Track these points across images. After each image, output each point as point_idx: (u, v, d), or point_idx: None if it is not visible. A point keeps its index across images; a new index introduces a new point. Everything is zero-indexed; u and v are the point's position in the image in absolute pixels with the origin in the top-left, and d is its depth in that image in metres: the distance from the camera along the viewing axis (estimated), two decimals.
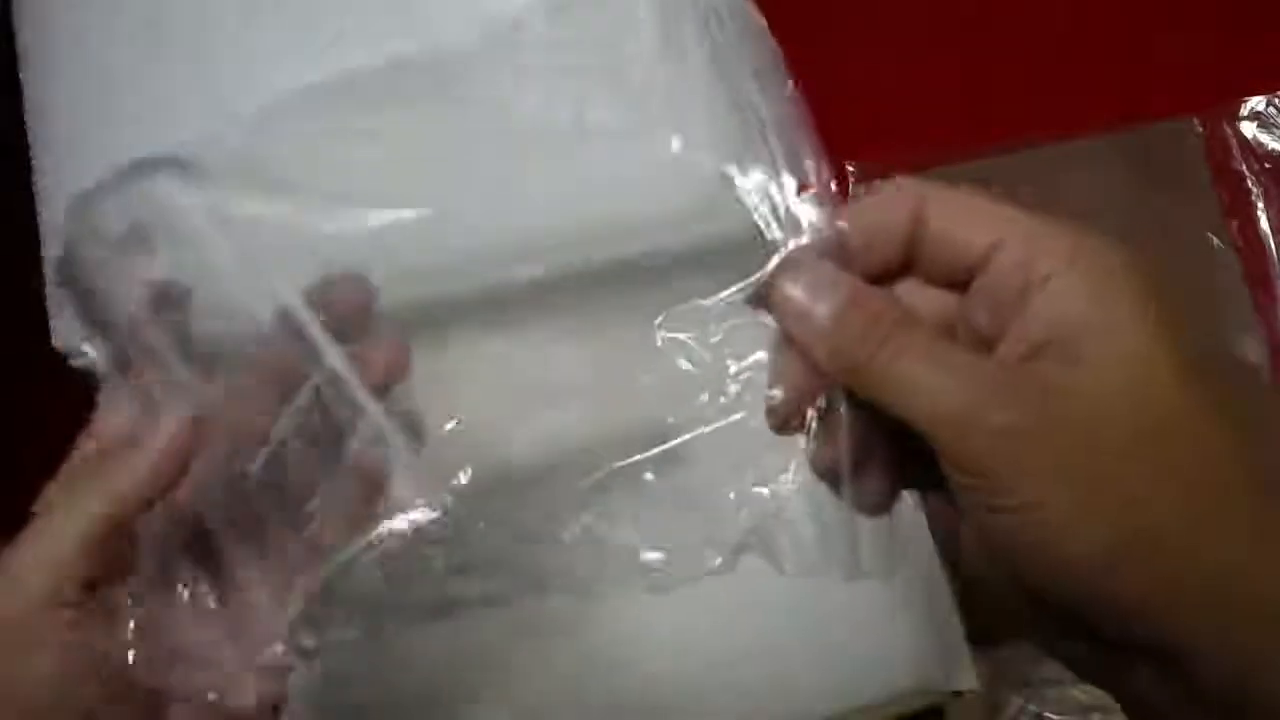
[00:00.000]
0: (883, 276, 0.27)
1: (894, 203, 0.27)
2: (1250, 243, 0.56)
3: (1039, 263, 0.25)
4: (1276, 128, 0.57)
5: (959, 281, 0.27)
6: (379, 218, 0.46)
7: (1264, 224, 0.56)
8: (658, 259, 0.47)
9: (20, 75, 0.48)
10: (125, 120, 0.47)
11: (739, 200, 0.40)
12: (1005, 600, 0.26)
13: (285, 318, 0.32)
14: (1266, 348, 0.54)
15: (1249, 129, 0.57)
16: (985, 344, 0.26)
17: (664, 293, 0.48)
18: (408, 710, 0.45)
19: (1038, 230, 0.26)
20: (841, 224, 0.27)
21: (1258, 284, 0.55)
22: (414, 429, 0.33)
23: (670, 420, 0.36)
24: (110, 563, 0.29)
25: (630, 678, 0.47)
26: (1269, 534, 0.24)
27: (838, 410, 0.27)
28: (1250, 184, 0.57)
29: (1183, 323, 0.26)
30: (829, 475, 0.28)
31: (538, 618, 0.46)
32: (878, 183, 0.28)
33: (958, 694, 0.46)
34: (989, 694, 0.50)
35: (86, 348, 0.33)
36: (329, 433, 0.32)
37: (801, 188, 0.30)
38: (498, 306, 0.48)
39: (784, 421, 0.29)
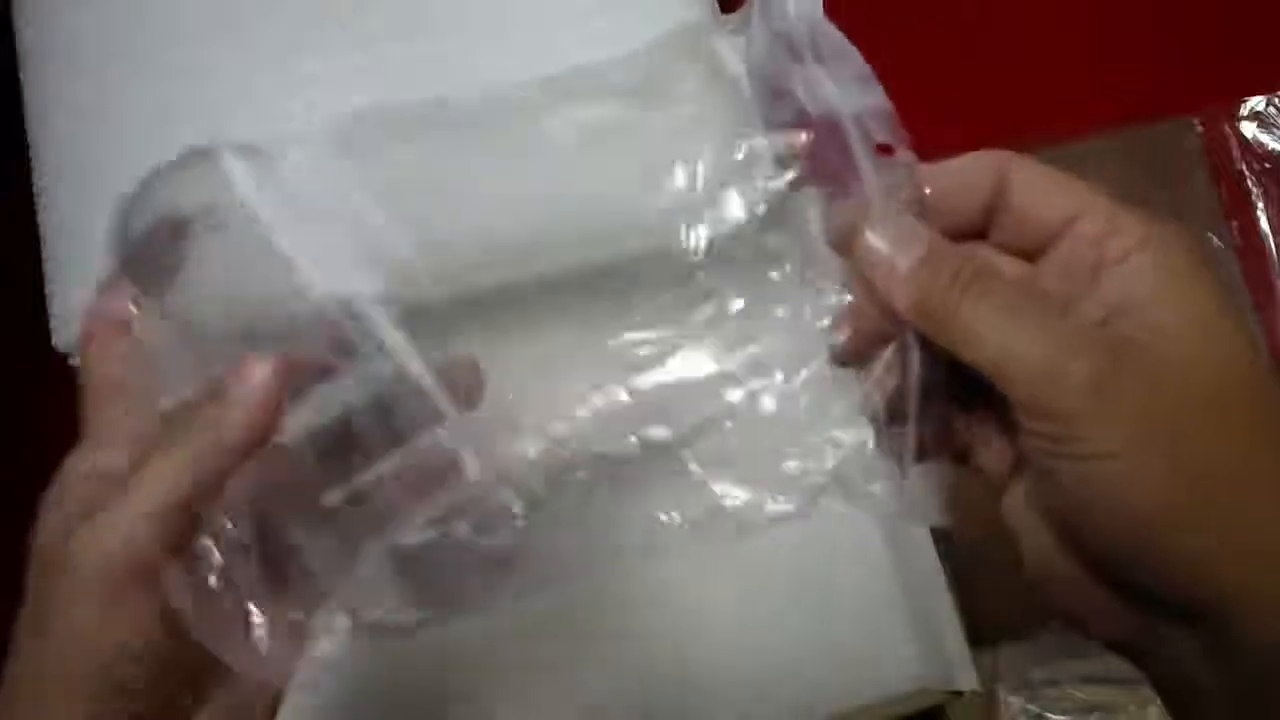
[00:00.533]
0: (957, 239, 0.28)
1: (978, 168, 0.29)
2: (1250, 243, 0.56)
3: (1115, 240, 0.26)
4: (1276, 127, 0.57)
5: (1031, 251, 0.28)
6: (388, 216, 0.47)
7: (1264, 224, 0.56)
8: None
9: (20, 75, 0.48)
10: (125, 121, 0.47)
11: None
12: (1045, 576, 0.28)
13: (350, 313, 0.31)
14: (1266, 348, 0.54)
15: (1249, 129, 0.57)
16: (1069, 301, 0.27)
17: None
18: (409, 704, 0.45)
19: (1116, 210, 0.27)
20: (924, 185, 0.29)
21: (1258, 284, 0.55)
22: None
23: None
24: (194, 523, 0.28)
25: (631, 677, 0.47)
26: None
27: (907, 354, 0.29)
28: (1250, 184, 0.57)
29: (1244, 312, 0.26)
30: (878, 418, 0.30)
31: (543, 616, 0.46)
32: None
33: (958, 694, 0.46)
34: (989, 694, 0.50)
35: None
36: (394, 418, 0.31)
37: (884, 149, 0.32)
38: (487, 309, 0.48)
39: (847, 359, 0.30)
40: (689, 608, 0.48)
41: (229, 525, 0.28)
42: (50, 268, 0.46)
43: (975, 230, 0.29)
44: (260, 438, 0.29)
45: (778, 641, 0.48)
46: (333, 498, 0.31)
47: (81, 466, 0.30)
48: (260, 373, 0.29)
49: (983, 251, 0.29)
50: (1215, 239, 0.55)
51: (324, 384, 0.31)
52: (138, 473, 0.28)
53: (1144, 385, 0.24)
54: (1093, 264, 0.26)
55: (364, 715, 0.42)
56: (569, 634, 0.47)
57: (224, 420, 0.28)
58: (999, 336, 0.25)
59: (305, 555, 0.30)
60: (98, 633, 0.27)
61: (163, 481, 0.28)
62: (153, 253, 0.32)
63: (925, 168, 0.30)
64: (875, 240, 0.28)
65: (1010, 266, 0.28)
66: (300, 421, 0.31)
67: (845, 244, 0.29)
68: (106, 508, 0.28)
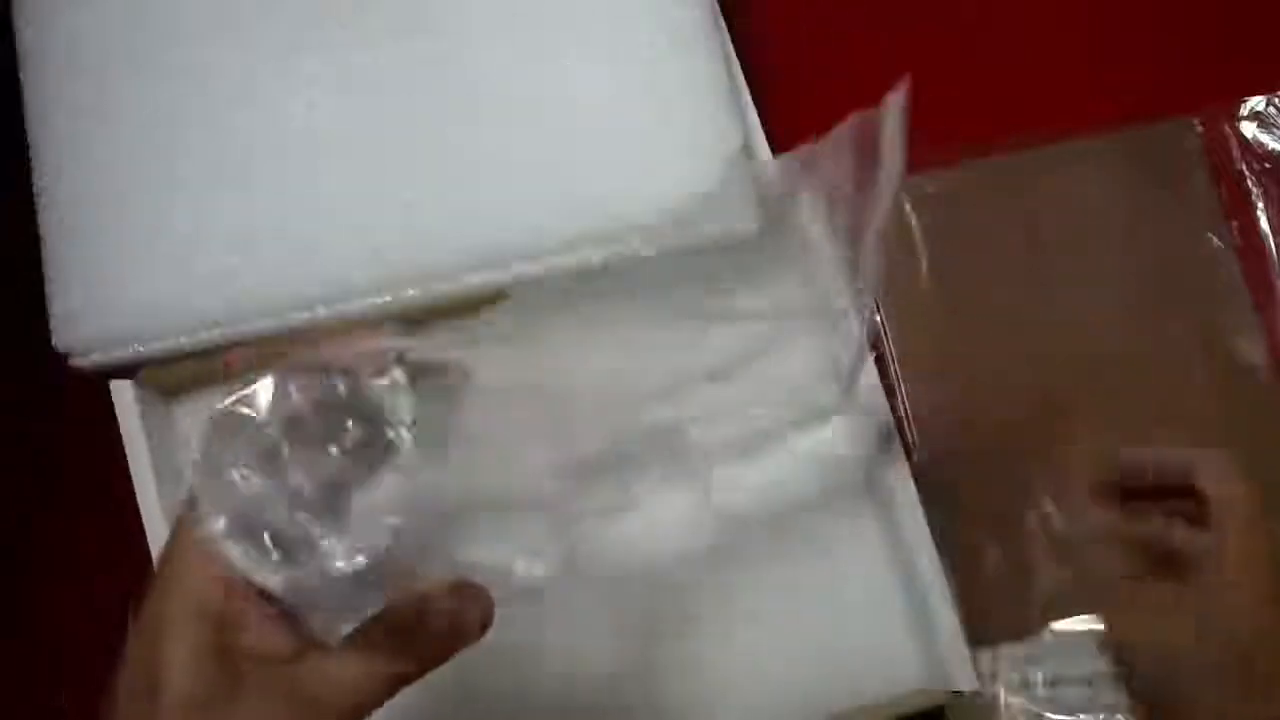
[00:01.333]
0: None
1: (1176, 461, 0.43)
2: (1250, 243, 0.56)
3: (1224, 518, 0.41)
4: (1276, 127, 0.57)
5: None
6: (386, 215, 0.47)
7: (1264, 224, 0.56)
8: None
9: (20, 75, 0.48)
10: (125, 121, 0.47)
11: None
12: None
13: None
14: (1266, 348, 0.54)
15: (1249, 129, 0.57)
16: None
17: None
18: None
19: (1223, 487, 0.42)
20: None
21: (1258, 284, 0.55)
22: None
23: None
24: None
25: (632, 677, 0.47)
26: None
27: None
28: (1250, 184, 0.56)
29: None
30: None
31: (541, 613, 0.46)
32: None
33: (958, 694, 0.46)
34: (989, 694, 0.50)
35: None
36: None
37: None
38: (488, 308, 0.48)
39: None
40: (689, 608, 0.48)
41: None
42: (50, 268, 0.46)
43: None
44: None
45: (779, 643, 0.48)
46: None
47: None
48: None
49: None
50: (1215, 239, 0.55)
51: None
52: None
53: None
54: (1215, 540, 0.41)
55: None
56: (568, 633, 0.47)
57: None
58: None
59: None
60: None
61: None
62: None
63: (1132, 453, 0.45)
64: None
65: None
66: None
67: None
68: None
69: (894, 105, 0.39)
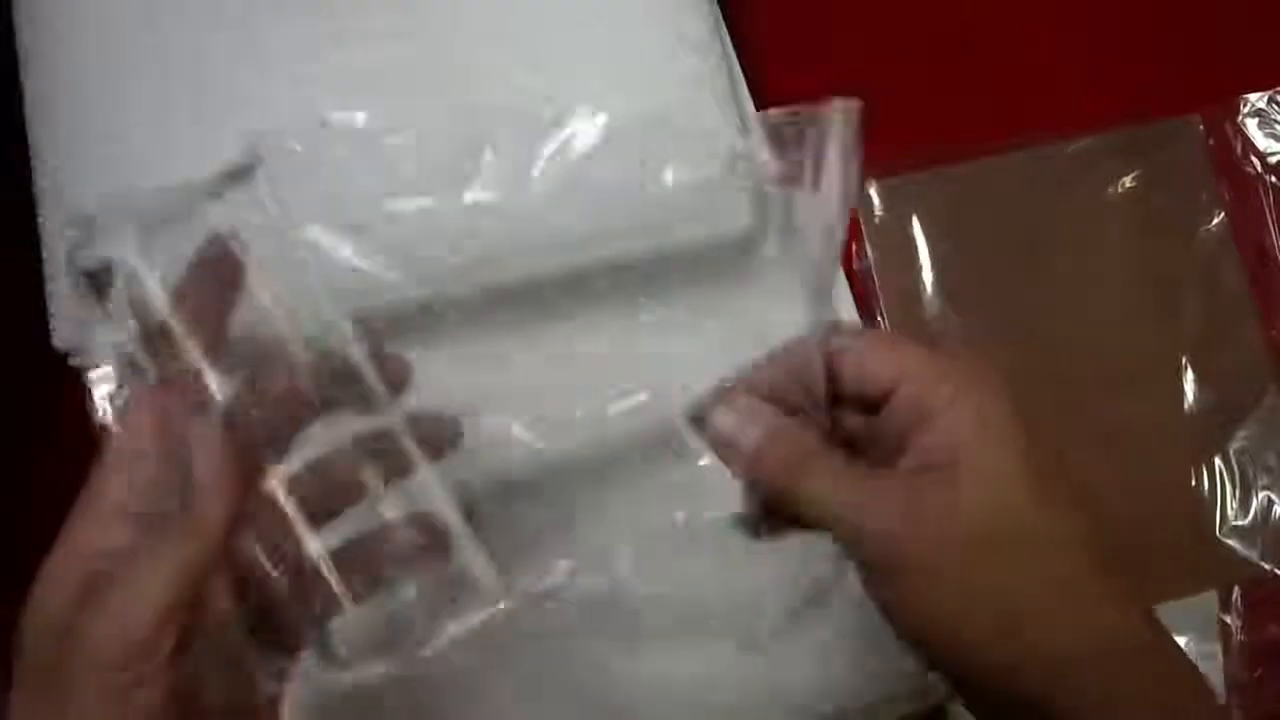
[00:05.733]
0: (819, 403, 0.34)
1: (804, 351, 0.34)
2: (1252, 241, 0.56)
3: (927, 400, 0.32)
4: (1278, 125, 0.57)
5: (871, 407, 0.33)
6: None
7: (1266, 222, 0.56)
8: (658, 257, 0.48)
9: (20, 75, 0.48)
10: (125, 121, 0.47)
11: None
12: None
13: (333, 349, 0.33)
14: (1266, 348, 0.54)
15: (1251, 126, 0.57)
16: (891, 457, 0.32)
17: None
18: None
19: (928, 374, 0.32)
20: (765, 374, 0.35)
21: (1259, 282, 0.55)
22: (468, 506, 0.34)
23: None
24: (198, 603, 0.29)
25: (630, 675, 0.47)
26: (1110, 601, 0.31)
27: None
28: (1252, 181, 0.56)
29: (1038, 440, 0.32)
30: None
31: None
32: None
33: None
34: None
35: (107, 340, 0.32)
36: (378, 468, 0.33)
37: None
38: (499, 305, 0.48)
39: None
40: (689, 609, 0.48)
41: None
42: (50, 268, 0.46)
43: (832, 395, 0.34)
44: (232, 525, 0.30)
45: (779, 642, 0.48)
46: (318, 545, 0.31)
47: (81, 545, 0.31)
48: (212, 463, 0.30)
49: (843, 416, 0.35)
50: (1215, 238, 0.55)
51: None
52: (135, 571, 0.29)
53: (942, 539, 0.30)
54: (914, 420, 0.32)
55: None
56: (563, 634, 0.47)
57: (198, 528, 0.30)
58: (825, 507, 0.31)
59: (284, 609, 0.31)
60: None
61: (159, 582, 0.29)
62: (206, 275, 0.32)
63: (765, 359, 0.35)
64: (721, 421, 0.34)
65: (854, 421, 0.34)
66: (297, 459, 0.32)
67: (697, 418, 0.34)
68: (110, 609, 0.28)
69: (841, 110, 0.41)
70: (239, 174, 0.34)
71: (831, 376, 0.34)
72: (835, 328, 0.35)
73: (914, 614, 0.31)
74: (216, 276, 0.32)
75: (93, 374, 0.46)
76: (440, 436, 0.35)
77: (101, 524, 0.30)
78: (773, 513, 0.34)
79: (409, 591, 0.33)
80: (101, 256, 0.31)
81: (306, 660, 0.31)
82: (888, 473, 0.32)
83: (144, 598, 0.28)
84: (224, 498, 0.30)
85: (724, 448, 0.34)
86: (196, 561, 0.29)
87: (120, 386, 0.33)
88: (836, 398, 0.34)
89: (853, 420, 0.35)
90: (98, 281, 0.31)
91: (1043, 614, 0.30)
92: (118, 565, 0.29)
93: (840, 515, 0.31)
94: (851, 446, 0.34)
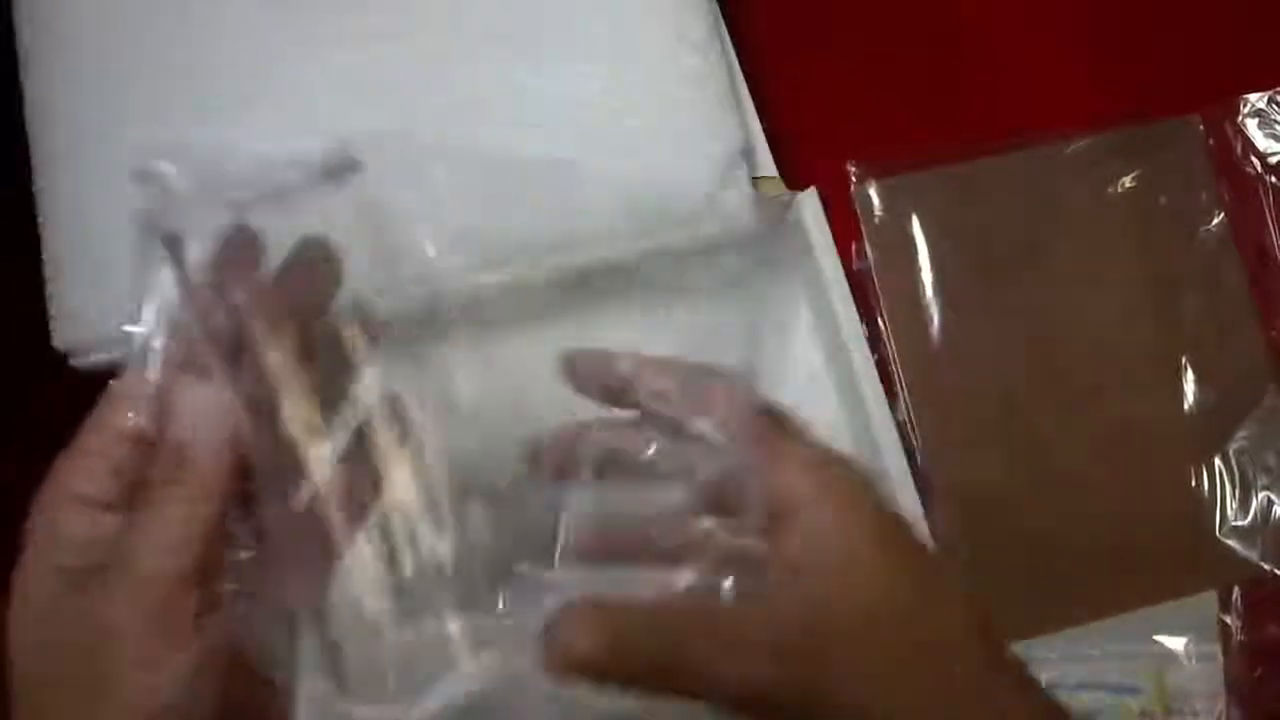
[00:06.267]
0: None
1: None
2: (1252, 240, 0.56)
3: (790, 494, 0.32)
4: (1278, 125, 0.57)
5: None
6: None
7: (1267, 222, 0.56)
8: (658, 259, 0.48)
9: (20, 75, 0.48)
10: (125, 121, 0.47)
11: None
12: None
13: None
14: (1267, 347, 0.54)
15: (1251, 126, 0.57)
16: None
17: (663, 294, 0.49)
18: None
19: (792, 471, 0.32)
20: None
21: (1258, 283, 0.55)
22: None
23: None
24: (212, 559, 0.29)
25: None
26: (966, 668, 0.31)
27: None
28: (1252, 181, 0.56)
29: (898, 524, 0.33)
30: None
31: None
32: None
33: None
34: None
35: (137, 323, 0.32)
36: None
37: None
38: (491, 308, 0.48)
39: None
40: None
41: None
42: (50, 268, 0.46)
43: None
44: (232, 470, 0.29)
45: None
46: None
47: (73, 485, 0.30)
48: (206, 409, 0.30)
49: None
50: (1215, 238, 0.55)
51: None
52: (145, 533, 0.29)
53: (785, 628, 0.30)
54: (782, 516, 0.31)
55: None
56: None
57: (195, 492, 0.29)
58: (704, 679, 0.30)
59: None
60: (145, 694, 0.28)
61: (157, 543, 0.28)
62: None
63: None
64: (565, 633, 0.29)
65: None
66: None
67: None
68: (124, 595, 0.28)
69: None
70: (336, 170, 0.33)
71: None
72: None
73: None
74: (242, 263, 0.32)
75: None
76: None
77: (85, 514, 0.30)
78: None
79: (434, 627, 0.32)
80: (177, 227, 0.31)
81: (317, 686, 0.31)
82: (746, 613, 0.31)
83: (157, 568, 0.28)
84: (225, 455, 0.29)
85: (575, 668, 0.29)
86: (207, 519, 0.29)
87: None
88: None
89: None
90: (165, 247, 0.31)
91: (894, 689, 0.31)
92: (110, 552, 0.29)
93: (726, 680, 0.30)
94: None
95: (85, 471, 0.30)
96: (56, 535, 0.30)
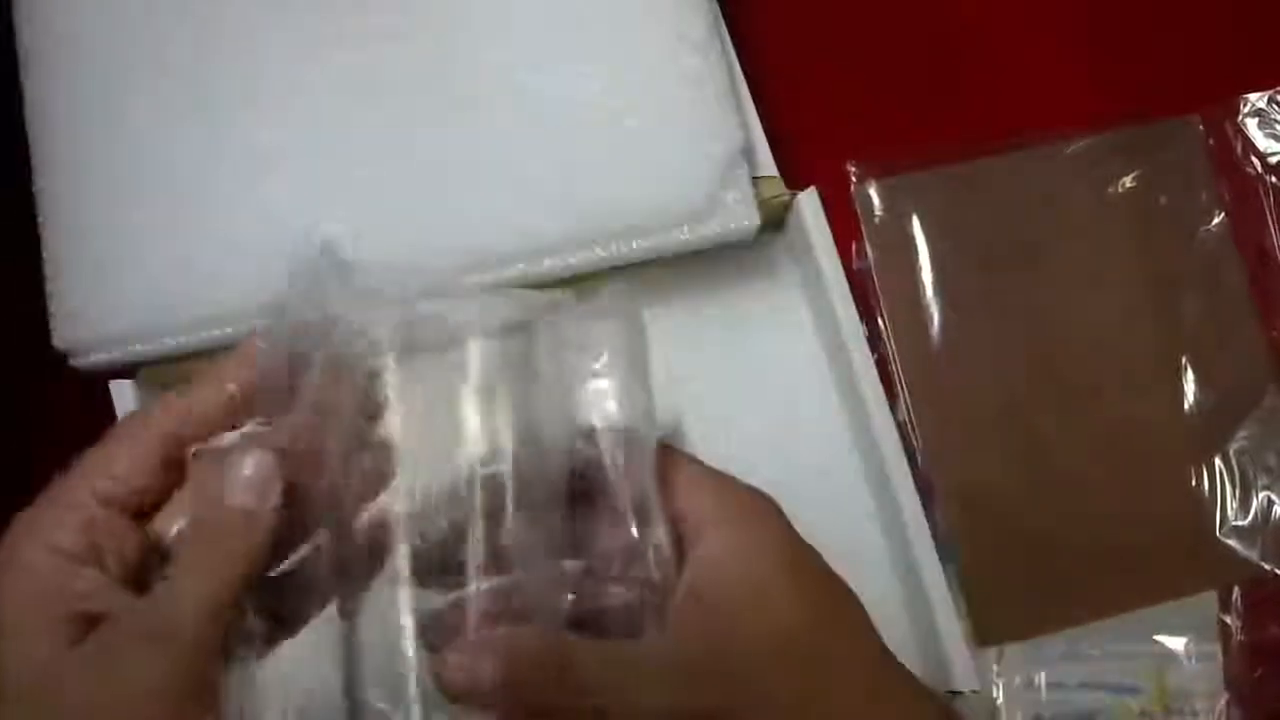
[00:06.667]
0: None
1: None
2: (1252, 240, 0.56)
3: (694, 519, 0.32)
4: (1278, 125, 0.57)
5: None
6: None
7: (1266, 221, 0.56)
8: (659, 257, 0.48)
9: (20, 75, 0.48)
10: (125, 121, 0.47)
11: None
12: None
13: None
14: (1267, 347, 0.54)
15: (1251, 126, 0.57)
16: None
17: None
18: None
19: (693, 494, 0.32)
20: None
21: (1258, 283, 0.55)
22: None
23: None
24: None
25: None
26: (872, 693, 0.32)
27: None
28: (1252, 181, 0.56)
29: (804, 550, 0.33)
30: None
31: None
32: None
33: (958, 694, 0.46)
34: (989, 697, 0.50)
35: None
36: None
37: None
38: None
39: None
40: None
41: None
42: (50, 268, 0.46)
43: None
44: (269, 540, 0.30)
45: None
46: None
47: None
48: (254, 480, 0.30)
49: None
50: (1216, 237, 0.55)
51: None
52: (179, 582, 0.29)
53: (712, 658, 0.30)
54: (685, 536, 0.32)
55: None
56: None
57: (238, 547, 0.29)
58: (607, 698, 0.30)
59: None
60: None
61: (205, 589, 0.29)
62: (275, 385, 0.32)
63: None
64: (453, 667, 0.29)
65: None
66: None
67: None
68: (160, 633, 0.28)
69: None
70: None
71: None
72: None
73: None
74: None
75: (114, 384, 0.46)
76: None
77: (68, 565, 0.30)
78: None
79: None
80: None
81: None
82: (647, 642, 0.31)
83: (199, 632, 0.28)
84: (269, 524, 0.30)
85: (467, 696, 0.29)
86: (244, 584, 0.29)
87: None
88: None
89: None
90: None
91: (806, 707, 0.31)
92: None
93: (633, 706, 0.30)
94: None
95: (54, 521, 0.30)
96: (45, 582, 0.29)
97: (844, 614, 0.33)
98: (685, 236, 0.47)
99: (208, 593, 0.28)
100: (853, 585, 0.48)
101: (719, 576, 0.31)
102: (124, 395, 0.46)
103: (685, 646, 0.31)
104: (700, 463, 0.34)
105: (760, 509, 0.33)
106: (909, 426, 0.52)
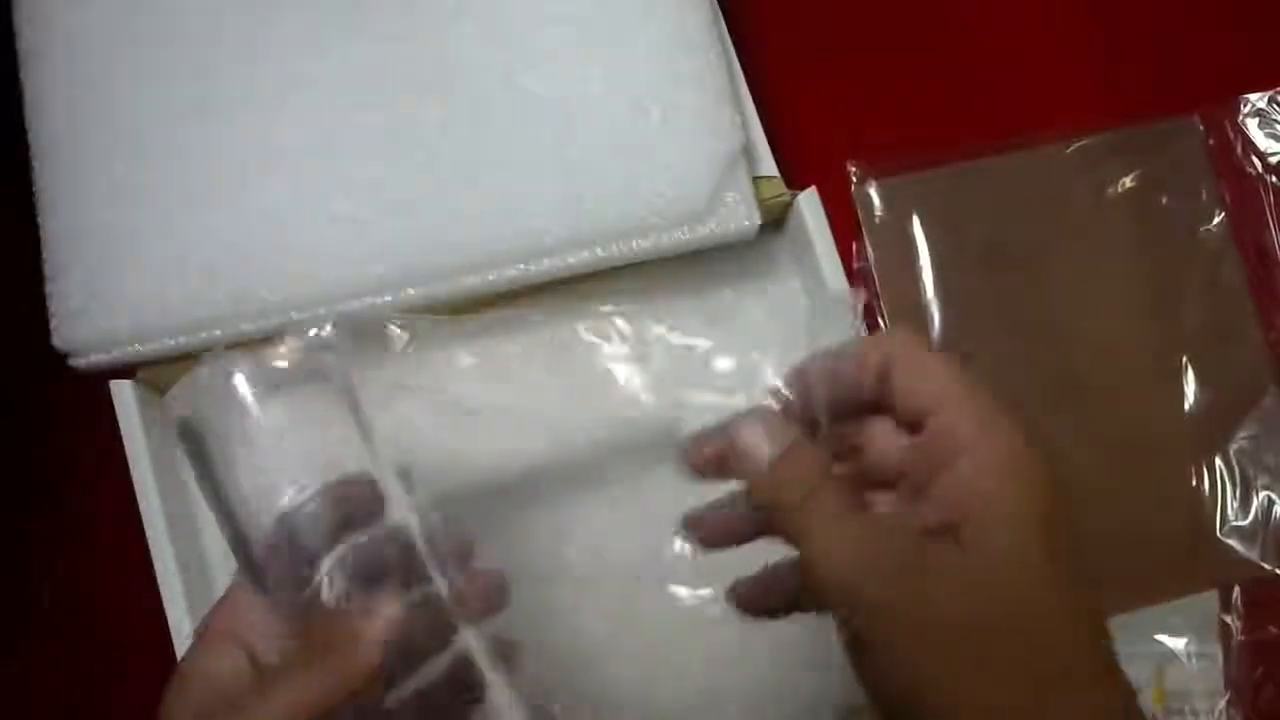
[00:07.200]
0: (853, 411, 0.33)
1: (868, 353, 0.33)
2: (1252, 240, 0.56)
3: (952, 436, 0.31)
4: (1278, 125, 0.57)
5: (912, 425, 0.32)
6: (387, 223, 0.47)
7: (1266, 221, 0.56)
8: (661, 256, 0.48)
9: (20, 75, 0.48)
10: (125, 121, 0.47)
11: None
12: None
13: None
14: (1266, 348, 0.54)
15: (1251, 126, 0.57)
16: (918, 490, 0.32)
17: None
18: None
19: (959, 404, 0.32)
20: (787, 389, 0.33)
21: (1258, 283, 0.55)
22: (509, 657, 0.35)
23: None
24: None
25: (637, 677, 0.47)
26: (1102, 709, 0.29)
27: None
28: (1252, 181, 0.56)
29: (1064, 511, 0.31)
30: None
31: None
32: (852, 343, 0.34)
33: None
34: None
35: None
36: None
37: None
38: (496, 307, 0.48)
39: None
40: (695, 615, 0.48)
41: None
42: (50, 268, 0.46)
43: (871, 403, 0.33)
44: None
45: (781, 641, 0.48)
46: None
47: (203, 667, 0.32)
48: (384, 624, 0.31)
49: (876, 427, 0.34)
50: (1216, 237, 0.55)
51: None
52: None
53: (934, 612, 0.29)
54: (941, 454, 0.31)
55: None
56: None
57: (348, 666, 0.30)
58: (816, 544, 0.30)
59: None
60: None
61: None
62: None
63: (820, 361, 0.33)
64: (747, 432, 0.32)
65: (887, 439, 0.33)
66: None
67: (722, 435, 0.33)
68: None
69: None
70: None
71: (879, 391, 0.33)
72: (873, 338, 0.34)
73: (887, 693, 0.30)
74: None
75: (114, 384, 0.46)
76: (489, 599, 0.35)
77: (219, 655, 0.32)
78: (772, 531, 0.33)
79: None
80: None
81: None
82: (898, 528, 0.31)
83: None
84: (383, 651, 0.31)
85: (740, 457, 0.32)
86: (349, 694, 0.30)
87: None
88: (876, 408, 0.33)
89: (885, 442, 0.33)
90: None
91: (1022, 715, 0.29)
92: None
93: (827, 558, 0.30)
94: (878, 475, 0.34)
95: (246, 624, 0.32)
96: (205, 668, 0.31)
97: (1074, 597, 0.30)
98: (685, 236, 0.47)
99: (325, 694, 0.30)
100: None
101: (968, 505, 0.30)
102: (124, 395, 0.46)
103: (917, 573, 0.30)
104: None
105: (1025, 452, 0.32)
106: None
